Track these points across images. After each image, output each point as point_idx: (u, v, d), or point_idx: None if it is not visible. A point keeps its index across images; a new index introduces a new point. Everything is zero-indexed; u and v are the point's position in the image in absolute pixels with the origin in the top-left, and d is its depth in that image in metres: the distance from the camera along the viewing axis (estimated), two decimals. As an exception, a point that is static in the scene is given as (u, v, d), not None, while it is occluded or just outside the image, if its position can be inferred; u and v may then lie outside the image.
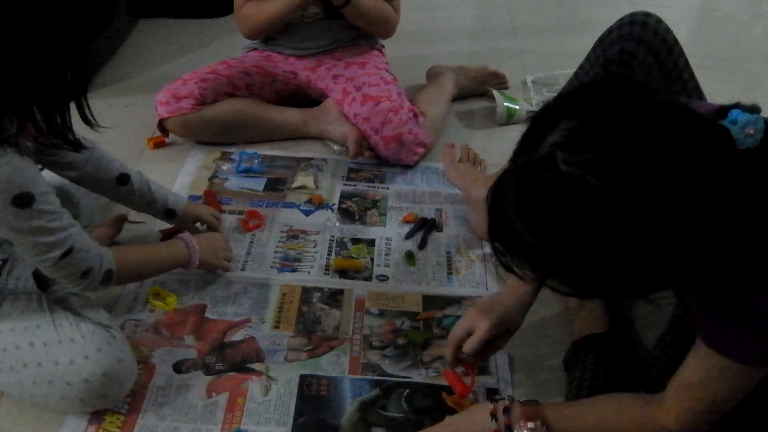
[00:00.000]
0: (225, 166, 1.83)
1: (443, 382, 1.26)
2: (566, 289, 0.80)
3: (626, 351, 1.30)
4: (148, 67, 2.33)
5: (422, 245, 1.61)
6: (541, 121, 0.78)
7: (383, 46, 2.05)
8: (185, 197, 1.54)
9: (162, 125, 1.85)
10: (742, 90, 2.23)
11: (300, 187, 1.77)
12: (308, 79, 1.97)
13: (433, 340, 1.37)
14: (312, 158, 1.89)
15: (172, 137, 1.90)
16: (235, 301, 1.43)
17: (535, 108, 2.07)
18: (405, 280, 1.51)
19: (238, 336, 1.35)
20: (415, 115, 1.83)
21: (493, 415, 1.04)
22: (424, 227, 1.65)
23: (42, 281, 1.26)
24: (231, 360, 1.31)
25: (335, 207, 1.72)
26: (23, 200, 1.01)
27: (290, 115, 1.94)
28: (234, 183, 1.78)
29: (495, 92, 2.10)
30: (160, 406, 1.21)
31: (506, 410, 1.04)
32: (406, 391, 1.26)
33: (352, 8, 1.81)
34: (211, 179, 1.79)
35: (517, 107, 2.07)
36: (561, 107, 0.78)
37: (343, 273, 1.52)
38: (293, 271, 1.52)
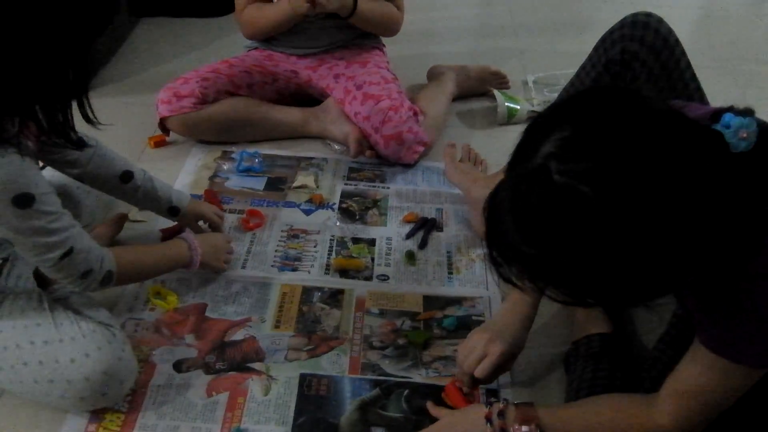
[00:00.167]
0: (226, 165, 1.83)
1: (443, 382, 1.26)
2: (565, 299, 0.79)
3: (626, 351, 1.30)
4: (149, 66, 2.33)
5: (423, 245, 1.61)
6: (534, 132, 0.78)
7: (384, 45, 2.06)
8: (188, 195, 1.54)
9: (163, 124, 1.85)
10: (743, 91, 2.23)
11: (300, 187, 1.77)
12: (309, 78, 1.97)
13: (433, 340, 1.37)
14: (313, 157, 1.89)
15: (172, 136, 1.90)
16: (236, 300, 1.43)
17: (536, 108, 2.07)
18: (405, 280, 1.51)
19: (238, 335, 1.36)
20: (415, 114, 1.83)
21: (488, 419, 1.05)
22: (425, 227, 1.65)
23: (42, 280, 1.26)
24: (231, 359, 1.31)
25: (336, 206, 1.72)
26: (24, 200, 1.01)
27: (291, 115, 1.94)
28: (235, 182, 1.78)
29: (496, 92, 2.11)
30: (161, 405, 1.22)
31: (501, 413, 1.04)
32: (406, 391, 1.26)
33: (356, 18, 1.82)
34: (211, 178, 1.79)
35: (518, 107, 2.07)
36: (553, 117, 0.77)
37: (343, 272, 1.52)
38: (294, 270, 1.52)
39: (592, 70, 1.39)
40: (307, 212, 1.70)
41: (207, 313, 1.40)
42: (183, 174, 1.79)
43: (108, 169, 1.36)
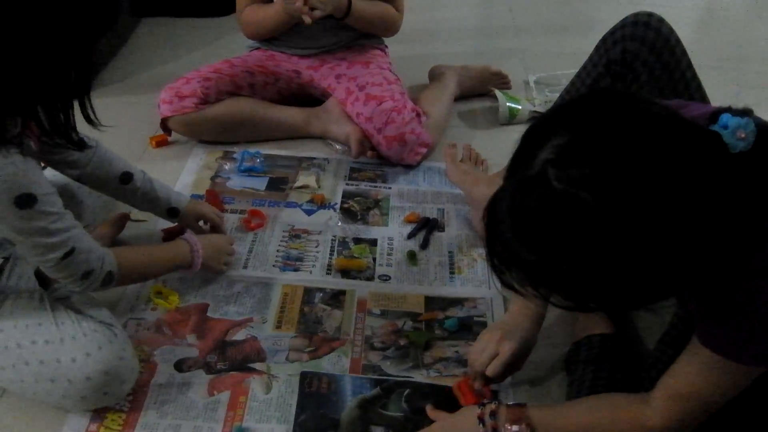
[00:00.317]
0: (227, 165, 1.84)
1: (444, 382, 1.26)
2: (567, 304, 0.80)
3: (627, 351, 1.30)
4: (151, 66, 2.33)
5: (424, 245, 1.61)
6: (531, 138, 0.78)
7: (386, 46, 2.06)
8: (188, 196, 1.54)
9: (164, 124, 1.86)
10: (744, 90, 2.23)
11: (302, 187, 1.77)
12: (311, 78, 1.98)
13: (434, 341, 1.37)
14: (314, 158, 1.89)
15: (174, 136, 1.90)
16: (237, 300, 1.43)
17: (538, 108, 2.07)
18: (407, 280, 1.52)
19: (239, 336, 1.36)
20: (418, 115, 1.83)
21: (481, 419, 1.06)
22: (426, 227, 1.65)
23: (44, 279, 1.27)
24: (232, 359, 1.31)
25: (337, 206, 1.72)
26: (25, 201, 1.01)
27: (293, 115, 1.94)
28: (236, 182, 1.78)
29: (497, 92, 2.11)
30: (162, 404, 1.22)
31: (492, 414, 1.05)
32: (407, 391, 1.26)
33: (351, 18, 1.83)
34: (213, 178, 1.79)
35: (520, 107, 2.07)
36: (550, 123, 0.77)
37: (345, 273, 1.52)
38: (295, 270, 1.52)
39: (593, 70, 1.39)
40: (309, 212, 1.70)
41: (208, 313, 1.40)
42: (184, 174, 1.80)
43: (107, 170, 1.36)
